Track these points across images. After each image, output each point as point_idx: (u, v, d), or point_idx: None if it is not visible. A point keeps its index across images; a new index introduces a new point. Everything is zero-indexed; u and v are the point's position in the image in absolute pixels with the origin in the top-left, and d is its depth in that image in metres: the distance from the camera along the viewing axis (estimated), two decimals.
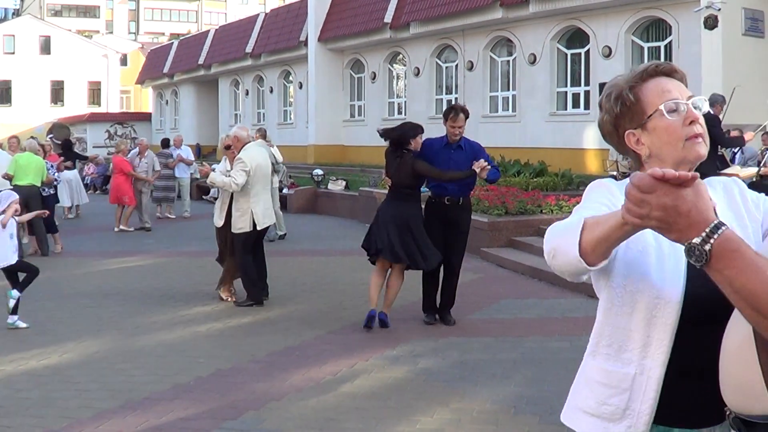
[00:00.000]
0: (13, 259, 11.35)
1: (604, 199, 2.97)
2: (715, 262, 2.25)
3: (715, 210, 2.71)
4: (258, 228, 12.79)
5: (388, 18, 38.06)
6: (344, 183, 27.93)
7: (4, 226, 11.23)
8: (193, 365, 9.34)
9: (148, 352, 9.97)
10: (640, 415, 2.88)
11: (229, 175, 12.57)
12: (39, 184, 18.33)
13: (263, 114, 51.60)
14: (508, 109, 34.46)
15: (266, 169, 13.21)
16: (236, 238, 12.80)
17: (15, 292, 11.28)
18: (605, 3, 28.70)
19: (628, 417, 2.90)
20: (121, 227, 22.81)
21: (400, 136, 11.39)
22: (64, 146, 26.18)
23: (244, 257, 12.77)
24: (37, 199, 17.93)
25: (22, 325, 11.23)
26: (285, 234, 20.91)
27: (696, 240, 2.25)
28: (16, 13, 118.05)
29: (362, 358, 9.61)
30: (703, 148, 2.93)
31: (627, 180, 2.42)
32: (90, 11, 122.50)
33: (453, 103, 36.23)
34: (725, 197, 3.04)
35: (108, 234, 22.17)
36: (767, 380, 2.35)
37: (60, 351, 10.02)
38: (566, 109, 31.99)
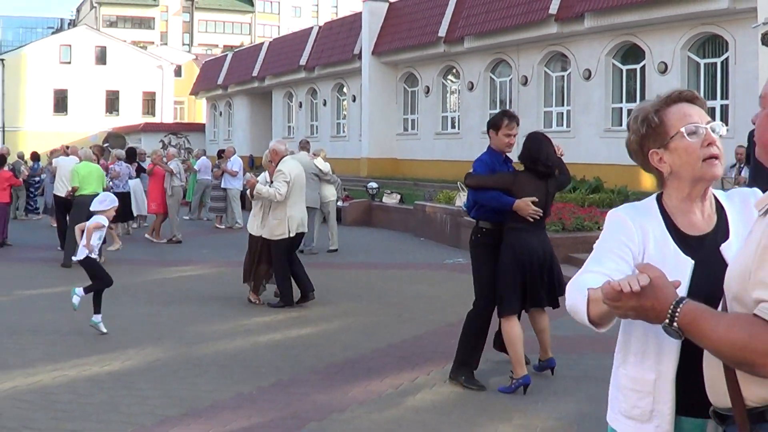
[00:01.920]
0: (81, 255, 11.50)
1: (619, 243, 3.37)
2: (686, 332, 2.74)
3: (727, 221, 3.39)
4: (293, 234, 13.60)
5: (443, 32, 38.07)
6: (399, 196, 27.91)
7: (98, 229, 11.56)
8: (255, 375, 9.35)
9: (209, 361, 10.01)
10: (664, 416, 3.24)
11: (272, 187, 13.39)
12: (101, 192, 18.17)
13: (316, 126, 51.73)
14: (562, 125, 34.33)
15: (302, 179, 14.06)
16: (276, 245, 13.53)
17: (79, 290, 11.46)
18: (661, 19, 28.53)
19: (655, 417, 3.27)
20: (147, 236, 22.91)
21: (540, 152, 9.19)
22: (128, 154, 26.29)
23: (283, 261, 13.56)
24: None
25: (103, 329, 11.35)
26: (336, 249, 20.72)
27: (666, 322, 2.75)
28: (73, 24, 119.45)
29: (423, 371, 9.57)
30: (718, 169, 3.32)
31: (647, 201, 3.48)
32: (145, 23, 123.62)
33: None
34: (741, 207, 3.44)
35: (162, 244, 22.26)
36: (728, 383, 2.77)
37: (122, 357, 10.09)
38: (621, 125, 31.64)
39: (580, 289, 3.15)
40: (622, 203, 13.86)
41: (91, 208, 11.88)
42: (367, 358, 10.08)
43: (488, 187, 9.00)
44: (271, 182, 13.53)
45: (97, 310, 11.44)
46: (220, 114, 66.32)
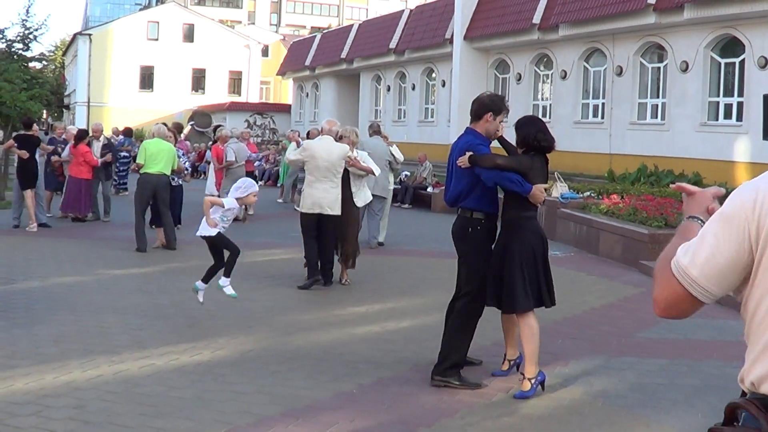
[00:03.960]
0: (213, 232, 10.99)
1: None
2: None
3: None
4: (304, 210, 13.81)
5: (537, 19, 37.28)
6: None
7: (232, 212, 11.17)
8: (354, 371, 8.79)
9: (304, 353, 9.45)
10: None
11: None
12: (169, 173, 17.44)
13: (404, 111, 51.25)
14: (656, 117, 33.48)
15: (321, 161, 13.63)
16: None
17: (224, 281, 11.12)
18: (763, 12, 27.49)
19: None
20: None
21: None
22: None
23: (304, 237, 13.85)
24: (165, 189, 17.40)
25: (230, 292, 11.12)
26: (382, 243, 19.06)
27: None
28: (160, 0, 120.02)
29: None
30: None
31: None
32: (233, 1, 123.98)
33: (599, 108, 35.69)
34: None
35: (251, 224, 21.80)
36: None
37: (212, 347, 9.57)
38: (717, 119, 30.89)
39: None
40: (723, 199, 13.32)
41: (229, 194, 11.31)
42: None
43: (509, 169, 8.34)
44: None
45: (227, 274, 11.13)
46: (307, 95, 65.99)
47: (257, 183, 11.82)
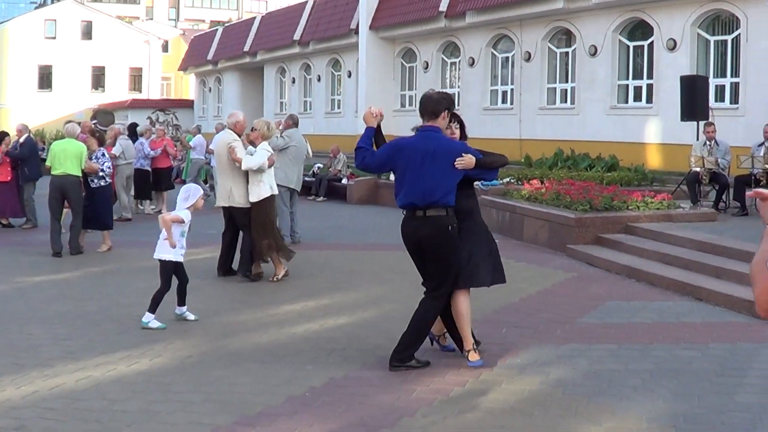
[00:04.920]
0: (177, 257, 10.56)
1: None
2: None
3: None
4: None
5: (444, 6, 37.10)
6: None
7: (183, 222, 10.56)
8: (302, 373, 8.43)
9: (246, 356, 9.06)
10: None
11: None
12: (77, 173, 16.57)
13: (310, 102, 50.80)
14: (566, 102, 33.49)
15: (218, 155, 14.25)
16: None
17: (149, 317, 10.46)
18: None
19: None
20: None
21: None
22: (129, 130, 25.25)
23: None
24: (74, 191, 16.59)
25: (191, 317, 10.68)
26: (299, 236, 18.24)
27: None
28: None
29: (486, 366, 8.67)
30: None
31: None
32: None
33: (508, 94, 35.71)
34: None
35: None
36: None
37: (148, 354, 9.13)
38: (627, 102, 31.04)
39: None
40: (642, 181, 13.45)
41: (177, 207, 10.70)
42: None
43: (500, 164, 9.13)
44: None
45: (182, 303, 10.73)
46: (210, 90, 65.11)
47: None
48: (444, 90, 39.28)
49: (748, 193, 3.72)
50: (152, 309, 10.39)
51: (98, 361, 8.80)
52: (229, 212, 13.95)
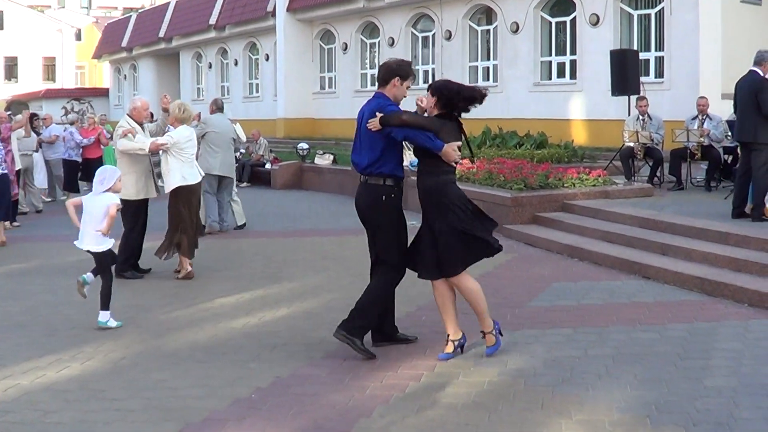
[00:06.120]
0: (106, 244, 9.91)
1: None
2: None
3: None
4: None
5: None
6: (332, 157, 26.41)
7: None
8: (246, 372, 7.89)
9: (184, 356, 8.48)
10: None
11: None
12: None
13: (227, 87, 50.09)
14: (489, 79, 33.27)
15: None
16: None
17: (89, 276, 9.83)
18: None
19: None
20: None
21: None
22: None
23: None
24: None
25: (113, 324, 9.74)
26: (244, 225, 18.07)
27: None
28: None
29: (436, 357, 8.26)
30: None
31: None
32: None
33: (429, 73, 35.35)
34: None
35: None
36: None
37: (79, 357, 8.49)
38: (551, 78, 30.96)
39: None
40: (572, 158, 13.01)
41: (94, 192, 9.92)
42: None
43: (418, 126, 8.15)
44: None
45: (105, 307, 9.81)
46: (125, 77, 63.97)
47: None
48: (365, 71, 39.09)
49: None
50: (105, 306, 9.74)
51: (25, 367, 8.15)
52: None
